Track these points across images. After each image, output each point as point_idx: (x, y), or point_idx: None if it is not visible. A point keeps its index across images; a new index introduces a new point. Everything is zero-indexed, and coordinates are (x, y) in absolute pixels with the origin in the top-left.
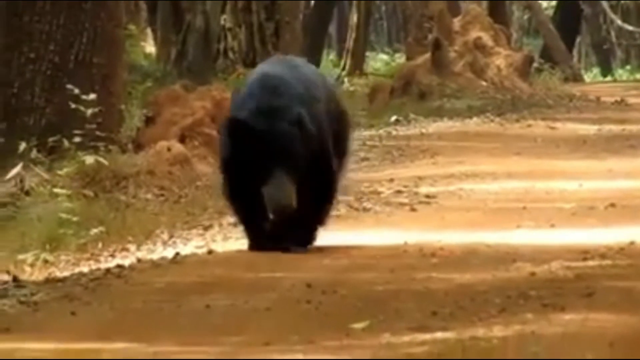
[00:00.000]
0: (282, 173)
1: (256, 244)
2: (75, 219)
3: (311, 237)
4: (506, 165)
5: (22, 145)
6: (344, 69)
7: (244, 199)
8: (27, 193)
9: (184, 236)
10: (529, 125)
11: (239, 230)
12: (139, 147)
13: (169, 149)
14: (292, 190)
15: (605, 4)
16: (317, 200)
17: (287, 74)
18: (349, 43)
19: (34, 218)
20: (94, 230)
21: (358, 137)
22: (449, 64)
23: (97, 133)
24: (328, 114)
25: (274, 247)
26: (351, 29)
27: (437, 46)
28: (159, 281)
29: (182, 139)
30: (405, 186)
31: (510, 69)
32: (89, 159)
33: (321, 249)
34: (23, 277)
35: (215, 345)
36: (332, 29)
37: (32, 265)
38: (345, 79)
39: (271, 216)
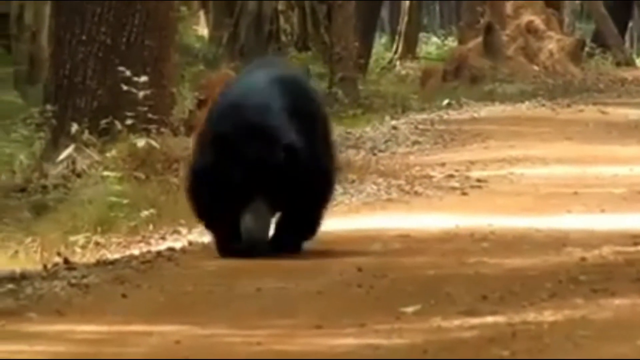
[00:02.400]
0: (262, 204)
1: (225, 252)
2: (126, 201)
3: (299, 245)
4: (557, 150)
5: (74, 127)
6: (396, 52)
7: (216, 207)
8: (78, 175)
9: None
10: (581, 110)
11: None
12: (190, 129)
13: None
14: (269, 223)
15: None
16: (308, 214)
17: (274, 82)
18: (401, 26)
19: (85, 200)
20: (145, 213)
21: (410, 120)
22: (501, 48)
23: (149, 115)
24: (315, 122)
25: (245, 255)
26: (403, 12)
27: (489, 30)
28: (210, 264)
29: None
30: (456, 170)
31: (562, 53)
32: (141, 142)
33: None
34: (74, 259)
35: (267, 328)
36: (385, 12)
37: (83, 247)
38: (398, 63)
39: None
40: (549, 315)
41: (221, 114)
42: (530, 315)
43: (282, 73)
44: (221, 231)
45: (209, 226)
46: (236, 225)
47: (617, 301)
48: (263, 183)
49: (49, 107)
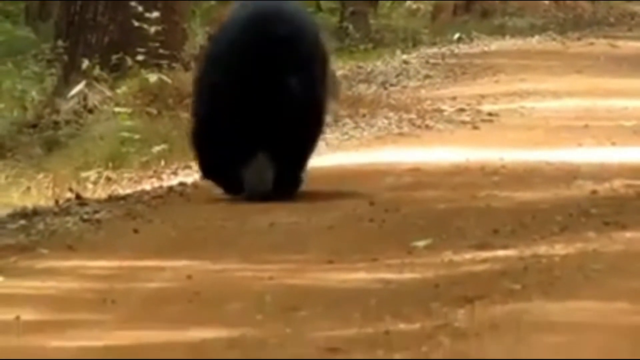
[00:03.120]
0: (263, 156)
1: (232, 193)
2: (137, 136)
3: (297, 184)
4: (568, 84)
5: (85, 63)
6: None
7: (217, 158)
8: (90, 111)
9: None
10: (591, 44)
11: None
12: None
13: None
14: (271, 175)
15: None
16: (303, 153)
17: (271, 16)
18: None
19: (97, 136)
20: (157, 148)
21: (421, 55)
22: None
23: (160, 51)
24: (317, 58)
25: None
26: None
27: None
28: (222, 199)
29: None
30: (467, 104)
31: None
32: (152, 77)
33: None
34: (86, 194)
35: (279, 263)
36: None
37: (94, 183)
38: None
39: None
40: (560, 249)
41: (215, 58)
42: (542, 249)
43: (279, 6)
44: (225, 183)
45: (213, 178)
46: (239, 177)
47: (628, 234)
48: (265, 132)
49: (60, 43)
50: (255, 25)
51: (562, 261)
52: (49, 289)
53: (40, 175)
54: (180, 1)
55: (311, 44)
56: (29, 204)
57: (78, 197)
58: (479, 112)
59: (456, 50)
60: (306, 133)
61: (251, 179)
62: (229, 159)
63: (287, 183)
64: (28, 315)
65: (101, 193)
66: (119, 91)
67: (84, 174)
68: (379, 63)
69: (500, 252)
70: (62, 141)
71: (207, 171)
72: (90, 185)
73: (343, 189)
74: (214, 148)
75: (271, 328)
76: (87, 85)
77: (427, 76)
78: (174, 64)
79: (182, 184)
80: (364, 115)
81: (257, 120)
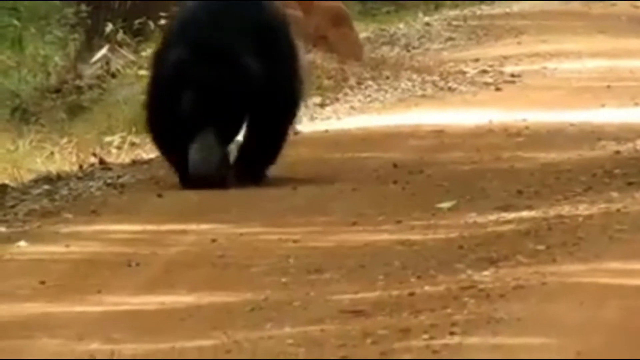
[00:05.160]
0: (210, 134)
1: (186, 183)
2: None
3: (261, 175)
4: (590, 44)
5: (108, 28)
6: None
7: (170, 137)
8: (113, 75)
9: None
10: (613, 4)
11: (325, 111)
12: None
13: None
14: (217, 154)
15: None
16: (267, 142)
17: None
18: None
19: (120, 100)
20: None
21: (443, 17)
22: None
23: None
24: (278, 41)
25: (205, 185)
26: None
27: None
28: None
29: None
30: (490, 66)
31: None
32: None
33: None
34: (109, 159)
35: (302, 225)
36: None
37: (118, 147)
38: None
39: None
40: (584, 209)
41: (174, 35)
42: (565, 209)
43: None
44: (176, 161)
45: (165, 155)
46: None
47: None
48: (214, 111)
49: (83, 7)
50: (217, 7)
51: (586, 221)
52: (73, 254)
53: (64, 140)
54: None
55: (272, 33)
56: (53, 169)
57: (102, 161)
58: (501, 73)
59: (478, 12)
60: (264, 115)
61: (195, 157)
62: (178, 138)
63: (246, 173)
64: (52, 280)
65: (125, 158)
66: (142, 54)
67: (107, 139)
68: (401, 25)
69: (524, 213)
70: (86, 106)
71: (165, 155)
72: (114, 150)
73: (367, 151)
74: (166, 130)
75: (295, 290)
76: (110, 49)
77: (449, 38)
78: None
79: None
80: (387, 78)
81: (208, 96)
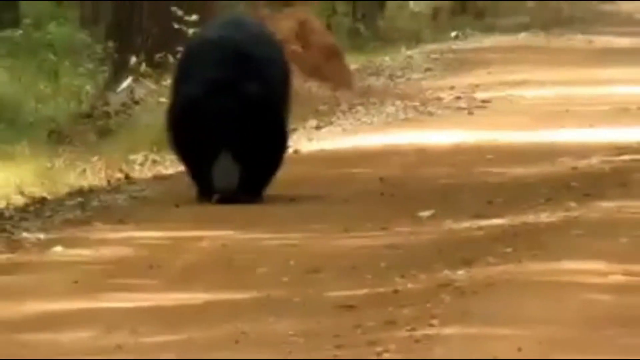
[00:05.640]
0: (228, 156)
1: (204, 195)
2: None
3: (259, 195)
4: (551, 74)
5: (133, 61)
6: None
7: (192, 155)
8: (136, 102)
9: None
10: (570, 39)
11: (321, 133)
12: None
13: None
14: (236, 173)
15: None
16: (269, 162)
17: (240, 38)
18: None
19: (143, 124)
20: None
21: (423, 51)
22: None
23: None
24: (279, 74)
25: (221, 199)
26: None
27: None
28: None
29: None
30: (463, 93)
31: None
32: None
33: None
34: (134, 174)
35: (301, 231)
36: None
37: (141, 164)
38: (412, 1)
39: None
40: (545, 217)
41: (186, 69)
42: (530, 217)
43: (244, 26)
44: (198, 180)
45: (190, 175)
46: (209, 176)
47: (604, 204)
48: (228, 136)
49: (110, 44)
50: (224, 41)
51: (547, 228)
52: (103, 257)
53: (94, 159)
54: (214, 6)
55: (272, 61)
56: (85, 183)
57: (127, 177)
58: (473, 99)
59: (453, 47)
60: (265, 137)
61: (217, 176)
62: (198, 160)
63: (250, 187)
64: (84, 280)
65: (147, 173)
66: (163, 84)
67: (132, 157)
68: (386, 58)
69: (494, 221)
70: (113, 129)
71: (187, 168)
72: (137, 167)
73: (356, 167)
74: (187, 150)
75: (295, 288)
76: (134, 80)
77: (428, 69)
78: None
79: None
80: (374, 104)
81: (221, 123)
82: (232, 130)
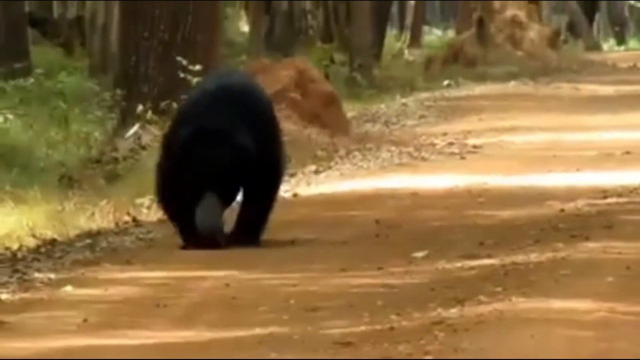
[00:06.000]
0: (213, 198)
1: (189, 243)
2: None
3: (257, 238)
4: (539, 121)
5: (139, 108)
6: (404, 42)
7: (177, 203)
8: (143, 148)
9: None
10: (558, 87)
11: (320, 177)
12: None
13: None
14: (221, 215)
15: None
16: (262, 208)
17: (232, 90)
18: (408, 21)
19: (150, 168)
20: None
21: (417, 98)
22: (491, 37)
23: None
24: (268, 124)
25: (208, 246)
26: (410, 9)
27: (480, 23)
28: None
29: None
30: (456, 138)
31: (541, 40)
32: None
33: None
34: (141, 217)
35: (301, 271)
36: (394, 9)
37: (148, 207)
38: (406, 51)
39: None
40: (534, 257)
41: (183, 118)
42: (519, 258)
43: (236, 81)
44: (182, 224)
45: (172, 219)
46: (193, 219)
47: (590, 244)
48: (215, 181)
49: (118, 92)
50: (215, 94)
51: (536, 267)
52: (111, 296)
53: (103, 202)
54: (217, 56)
55: (259, 113)
56: (94, 226)
57: (134, 220)
58: (465, 145)
59: (446, 94)
60: (256, 184)
61: (200, 214)
62: (185, 205)
63: (244, 236)
64: (93, 318)
65: (153, 216)
66: None
67: (139, 201)
68: (382, 106)
69: (485, 261)
70: (121, 173)
71: (171, 219)
72: (144, 210)
73: (353, 209)
74: (173, 197)
75: (295, 326)
76: (141, 127)
77: (422, 116)
78: None
79: None
80: (370, 149)
81: (209, 168)
82: (220, 176)
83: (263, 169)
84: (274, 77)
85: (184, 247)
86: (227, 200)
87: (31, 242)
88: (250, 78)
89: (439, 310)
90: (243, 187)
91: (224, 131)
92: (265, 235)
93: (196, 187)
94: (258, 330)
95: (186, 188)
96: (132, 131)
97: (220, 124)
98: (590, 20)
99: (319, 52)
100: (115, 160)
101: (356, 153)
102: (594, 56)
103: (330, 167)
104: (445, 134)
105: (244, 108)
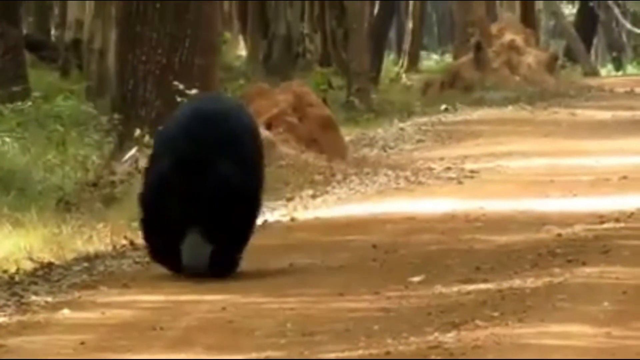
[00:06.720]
0: (197, 234)
1: (175, 270)
2: None
3: (233, 265)
4: (536, 145)
5: (137, 132)
6: (402, 67)
7: (161, 240)
8: (140, 171)
9: (270, 206)
10: (555, 112)
11: (317, 202)
12: None
13: None
14: (206, 251)
15: (617, 12)
16: (239, 235)
17: (213, 117)
18: (406, 45)
19: None
20: None
21: (414, 123)
22: (488, 62)
23: None
24: (251, 151)
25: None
26: (407, 33)
27: (478, 47)
28: (250, 244)
29: (268, 127)
30: (453, 163)
31: (538, 65)
32: None
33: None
34: (138, 241)
35: (298, 296)
36: (392, 34)
37: None
38: (403, 76)
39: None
40: (531, 282)
41: (160, 149)
42: (516, 282)
43: (217, 106)
44: (165, 258)
45: (153, 253)
46: (178, 254)
47: (587, 269)
48: (198, 216)
49: (115, 116)
50: (196, 122)
51: (533, 292)
52: (108, 319)
53: (100, 225)
54: (214, 80)
55: (244, 138)
56: (91, 249)
57: (132, 243)
58: (462, 169)
59: (443, 119)
60: (236, 215)
61: (186, 254)
62: (169, 238)
63: (220, 263)
64: (91, 341)
65: None
66: None
67: (136, 224)
68: (379, 130)
69: (482, 285)
70: (118, 197)
71: (154, 254)
72: (141, 234)
73: (350, 234)
74: (158, 230)
75: (292, 350)
76: (139, 150)
77: (419, 140)
78: None
79: None
80: (367, 173)
81: (191, 201)
82: (201, 209)
83: (243, 197)
84: (272, 101)
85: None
86: (214, 234)
87: (28, 265)
88: (232, 102)
89: (436, 334)
90: (222, 220)
91: (205, 161)
92: (263, 260)
93: (179, 223)
94: (254, 354)
95: (168, 223)
96: (129, 155)
97: (199, 153)
98: (588, 45)
99: (317, 77)
100: (113, 183)
101: (353, 177)
102: (591, 81)
103: (327, 192)
104: (442, 159)
105: (224, 131)
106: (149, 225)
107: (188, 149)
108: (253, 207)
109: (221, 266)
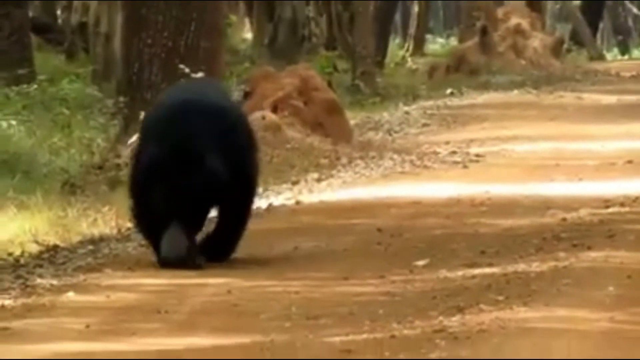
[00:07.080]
0: (178, 227)
1: (161, 264)
2: None
3: (227, 254)
4: (542, 130)
5: (142, 115)
6: (407, 50)
7: (148, 222)
8: None
9: (275, 190)
10: (561, 97)
11: (322, 185)
12: None
13: (263, 118)
14: (183, 245)
15: None
16: (234, 225)
17: (201, 104)
18: (412, 29)
19: None
20: None
21: (420, 107)
22: (494, 46)
23: None
24: (241, 139)
25: (182, 265)
26: (413, 17)
27: (484, 31)
28: (255, 228)
29: (274, 110)
30: (458, 147)
31: (544, 49)
32: None
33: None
34: None
35: (303, 279)
36: (398, 17)
37: None
38: (409, 59)
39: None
40: (536, 266)
41: (148, 136)
42: (521, 266)
43: (204, 93)
44: (154, 244)
45: (145, 238)
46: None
47: (592, 254)
48: (182, 210)
49: (121, 99)
50: (181, 111)
51: (537, 276)
52: (113, 302)
53: (105, 208)
54: (220, 63)
55: (232, 129)
56: (96, 232)
57: None
58: (468, 153)
59: (449, 103)
60: (228, 207)
61: (164, 245)
62: (155, 226)
63: (215, 250)
64: (95, 324)
65: None
66: None
67: None
68: (385, 114)
69: (487, 270)
70: (123, 180)
71: (143, 235)
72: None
73: (355, 218)
74: (145, 215)
75: (296, 334)
76: None
77: (424, 124)
78: None
79: None
80: (373, 157)
81: (175, 194)
82: (188, 206)
83: (235, 188)
84: (278, 84)
85: (161, 266)
86: (197, 226)
87: (34, 248)
88: (221, 89)
89: (441, 318)
90: (217, 205)
91: (193, 153)
92: (267, 243)
93: (164, 214)
94: (259, 337)
95: (154, 211)
96: (134, 138)
97: (188, 143)
98: (594, 29)
99: (322, 60)
100: (118, 166)
101: (359, 161)
102: (597, 65)
103: (332, 175)
104: (447, 143)
105: (213, 119)
106: (139, 209)
107: (176, 137)
108: (246, 195)
109: (216, 255)
